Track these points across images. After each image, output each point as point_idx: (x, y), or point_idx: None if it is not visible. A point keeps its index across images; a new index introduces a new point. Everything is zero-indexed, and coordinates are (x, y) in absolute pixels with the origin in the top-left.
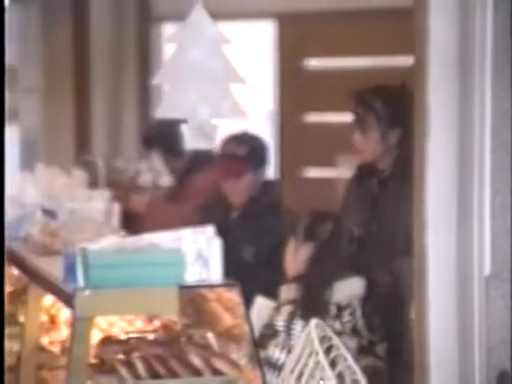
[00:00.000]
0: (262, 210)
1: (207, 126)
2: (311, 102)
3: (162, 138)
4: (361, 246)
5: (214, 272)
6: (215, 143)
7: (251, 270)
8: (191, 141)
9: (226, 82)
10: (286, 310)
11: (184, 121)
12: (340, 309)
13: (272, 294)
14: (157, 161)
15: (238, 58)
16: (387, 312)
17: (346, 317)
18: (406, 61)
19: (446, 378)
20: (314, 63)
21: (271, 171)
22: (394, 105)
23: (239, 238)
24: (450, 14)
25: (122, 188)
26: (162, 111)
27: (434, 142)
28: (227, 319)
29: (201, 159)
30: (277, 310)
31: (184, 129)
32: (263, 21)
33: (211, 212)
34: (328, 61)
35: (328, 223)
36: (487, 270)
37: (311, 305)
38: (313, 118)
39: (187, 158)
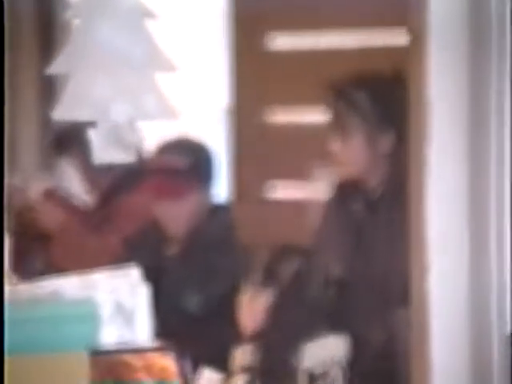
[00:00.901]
0: (209, 245)
1: (124, 131)
2: (277, 95)
3: (75, 144)
4: (341, 291)
5: (141, 331)
6: (137, 154)
7: (194, 327)
8: (101, 151)
9: (151, 71)
10: (240, 380)
11: (92, 124)
12: (313, 378)
13: (222, 358)
14: (69, 176)
15: (171, 39)
16: (379, 378)
17: None
18: (398, 38)
19: None
20: (278, 42)
21: (222, 191)
22: (384, 100)
23: (178, 283)
24: None
25: (16, 214)
26: (62, 111)
27: (437, 149)
28: None
29: (129, 174)
30: (227, 381)
31: (92, 134)
32: None
33: (141, 247)
34: (297, 38)
35: (295, 260)
36: (509, 327)
37: (273, 373)
38: (278, 116)
39: (110, 173)
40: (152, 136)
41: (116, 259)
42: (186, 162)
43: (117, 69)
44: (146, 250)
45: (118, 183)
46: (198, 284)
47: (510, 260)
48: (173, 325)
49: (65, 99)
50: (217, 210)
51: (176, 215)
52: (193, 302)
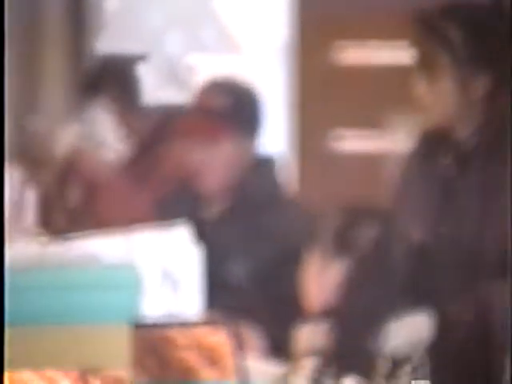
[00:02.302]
0: (260, 203)
1: (179, 66)
2: (346, 27)
3: (111, 83)
4: (426, 260)
5: (190, 302)
6: (191, 92)
7: (248, 300)
8: (155, 88)
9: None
10: (308, 364)
11: (143, 57)
12: (396, 363)
13: (284, 338)
14: (102, 119)
15: None
16: (470, 366)
17: (405, 375)
18: None
19: None
20: None
21: (277, 141)
22: (481, 35)
23: (225, 247)
24: None
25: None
26: (108, 41)
27: None
28: (209, 375)
29: (171, 118)
30: (293, 363)
31: (143, 70)
32: None
33: (183, 204)
34: None
35: (372, 225)
36: None
37: (348, 356)
38: (348, 54)
39: (149, 116)
40: (208, 73)
41: (158, 219)
42: (226, 102)
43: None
44: (189, 208)
45: (162, 129)
46: (246, 250)
47: None
48: (223, 297)
49: (110, 29)
50: (268, 163)
51: (213, 166)
52: (240, 271)
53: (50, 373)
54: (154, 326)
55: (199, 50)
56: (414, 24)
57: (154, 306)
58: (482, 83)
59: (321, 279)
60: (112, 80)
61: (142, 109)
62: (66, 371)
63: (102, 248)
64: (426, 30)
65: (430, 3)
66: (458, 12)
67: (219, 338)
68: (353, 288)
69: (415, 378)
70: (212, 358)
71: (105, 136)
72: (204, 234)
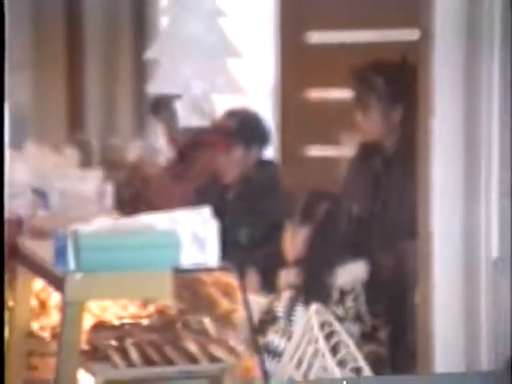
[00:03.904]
0: (258, 191)
1: (202, 102)
2: (313, 78)
3: (163, 112)
4: (362, 226)
5: (211, 255)
6: (210, 120)
7: (249, 254)
8: (185, 117)
9: (222, 56)
10: (286, 295)
11: (178, 96)
12: (342, 294)
13: (271, 278)
14: (157, 137)
15: (236, 32)
16: (391, 297)
17: (349, 302)
18: (410, 34)
19: (450, 364)
20: (316, 37)
21: (271, 151)
22: (395, 81)
23: (235, 220)
24: None
25: (114, 167)
26: (156, 86)
27: (439, 118)
28: (225, 304)
29: (198, 136)
30: (277, 295)
31: (178, 104)
32: None
33: (206, 192)
34: (330, 35)
35: (325, 203)
36: (494, 253)
37: (312, 290)
38: (315, 94)
39: (185, 135)
40: (222, 106)
41: (191, 202)
42: (235, 123)
43: (197, 54)
44: (211, 195)
45: (193, 142)
46: (250, 221)
47: (497, 201)
48: (233, 253)
49: (158, 77)
50: (264, 164)
51: (228, 165)
52: (247, 234)
53: (122, 302)
54: (188, 271)
55: (215, 91)
56: (352, 76)
57: (187, 258)
58: (398, 112)
59: (294, 240)
60: (161, 112)
61: (180, 130)
62: (132, 300)
63: (155, 221)
64: (360, 80)
65: (362, 61)
66: (380, 67)
67: (230, 278)
68: (314, 244)
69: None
70: (226, 292)
71: (157, 147)
72: (221, 211)
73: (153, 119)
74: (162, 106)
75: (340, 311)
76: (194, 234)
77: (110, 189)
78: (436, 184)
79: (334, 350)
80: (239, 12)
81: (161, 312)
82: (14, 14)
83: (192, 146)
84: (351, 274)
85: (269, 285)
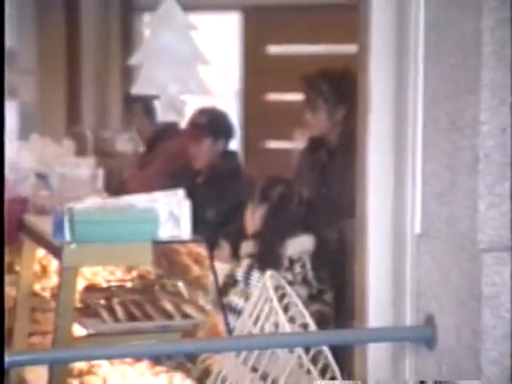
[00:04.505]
0: (224, 176)
1: (176, 101)
2: (271, 84)
3: (141, 110)
4: (310, 207)
5: (184, 229)
6: (183, 116)
7: (215, 229)
8: (162, 114)
9: (194, 64)
10: (245, 262)
11: (156, 96)
12: (292, 262)
13: (234, 249)
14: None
15: (207, 44)
16: (333, 265)
17: (298, 269)
18: (351, 48)
19: (381, 320)
20: (273, 49)
21: (235, 143)
22: (338, 86)
23: (204, 200)
24: (390, 9)
25: (105, 156)
26: (137, 88)
27: (374, 117)
28: (195, 270)
29: (170, 129)
30: (237, 262)
31: (156, 103)
32: (231, 12)
33: (180, 177)
34: (285, 48)
35: (279, 186)
36: (418, 229)
37: (267, 258)
38: (272, 97)
39: (160, 128)
40: (193, 106)
41: (167, 185)
42: (204, 119)
43: (172, 62)
44: (184, 179)
45: (167, 135)
46: (216, 202)
47: (420, 186)
48: (202, 227)
49: (139, 80)
50: (228, 154)
51: (198, 154)
52: (214, 213)
53: (110, 268)
54: (165, 242)
55: (188, 93)
56: (304, 82)
57: (165, 232)
58: (340, 112)
59: (253, 217)
60: (141, 109)
61: (157, 124)
62: (118, 266)
63: (137, 201)
64: (311, 85)
65: (311, 70)
66: (326, 74)
67: (200, 249)
68: (269, 221)
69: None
70: (196, 260)
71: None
72: (192, 193)
73: (128, 115)
74: (143, 106)
75: (290, 276)
76: (171, 211)
77: (100, 173)
78: (371, 171)
79: (286, 309)
80: (209, 26)
81: (142, 276)
82: (21, 28)
83: (167, 137)
84: (300, 245)
85: (233, 254)
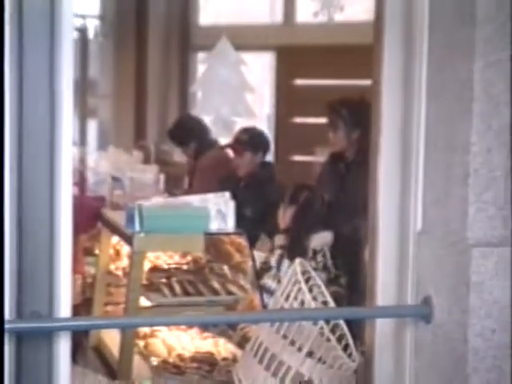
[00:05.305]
0: (261, 182)
1: (228, 122)
2: (297, 110)
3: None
4: (330, 208)
5: (229, 224)
6: (232, 134)
7: (254, 224)
8: (216, 131)
9: (242, 92)
10: (278, 252)
11: (212, 119)
12: (315, 252)
13: (269, 241)
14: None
15: (251, 76)
16: (348, 255)
17: (319, 258)
18: (367, 82)
19: (387, 300)
20: (300, 82)
21: (269, 156)
22: (355, 112)
23: (245, 201)
24: (399, 51)
25: (165, 164)
26: (197, 111)
27: (385, 138)
28: (237, 257)
29: (214, 144)
30: (271, 251)
31: (211, 123)
32: (268, 51)
33: (227, 182)
34: (311, 81)
35: (305, 192)
36: (419, 227)
37: (295, 249)
38: (298, 120)
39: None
40: (241, 125)
41: (217, 189)
42: (247, 137)
43: (225, 90)
44: (229, 184)
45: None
46: (255, 202)
47: (421, 192)
48: (243, 223)
49: (198, 105)
50: (265, 165)
51: (241, 164)
52: (251, 211)
53: (169, 253)
54: (214, 234)
55: (236, 115)
56: (327, 106)
57: (213, 226)
58: (356, 133)
59: (284, 216)
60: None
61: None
62: (176, 252)
63: (192, 200)
64: (333, 110)
65: (333, 98)
66: (346, 101)
67: (242, 240)
68: (297, 219)
69: (324, 259)
70: (238, 249)
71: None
72: (236, 195)
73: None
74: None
75: (313, 264)
76: (219, 209)
77: (162, 178)
78: (381, 181)
79: (310, 290)
80: (252, 62)
81: (195, 261)
82: (102, 62)
83: (219, 150)
84: (321, 239)
85: (267, 246)
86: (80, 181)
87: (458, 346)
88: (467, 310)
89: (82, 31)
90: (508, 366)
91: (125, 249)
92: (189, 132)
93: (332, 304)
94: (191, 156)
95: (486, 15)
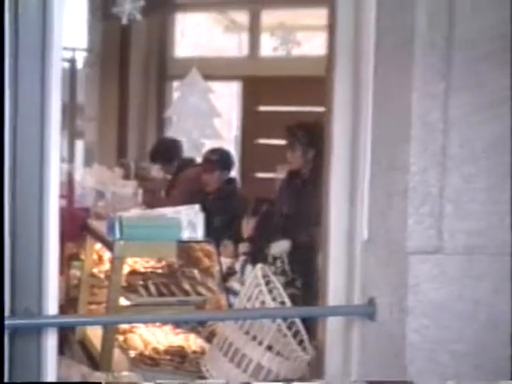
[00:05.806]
0: (227, 196)
1: (197, 143)
2: (262, 132)
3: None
4: (288, 219)
5: (199, 233)
6: (201, 154)
7: (221, 233)
8: (187, 151)
9: (210, 117)
10: (242, 258)
11: (184, 140)
12: (274, 258)
13: (234, 249)
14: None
15: (219, 103)
16: (304, 261)
17: (278, 263)
18: (320, 108)
19: (337, 300)
20: (263, 108)
21: (234, 173)
22: (310, 134)
23: (213, 213)
24: (347, 82)
25: (143, 179)
26: (171, 133)
27: (336, 158)
28: (206, 262)
29: (189, 163)
30: (236, 257)
31: (184, 144)
32: (234, 81)
33: (197, 196)
34: (273, 107)
35: (266, 205)
36: (365, 236)
37: (257, 256)
38: (262, 141)
39: (181, 162)
40: (209, 146)
41: (187, 202)
42: (216, 156)
43: (195, 115)
44: (199, 197)
45: (184, 167)
46: (222, 213)
47: (367, 204)
48: (211, 232)
49: (172, 128)
50: (231, 181)
51: (210, 181)
52: (220, 221)
53: (146, 258)
54: (185, 242)
55: (205, 138)
56: (286, 129)
57: (185, 235)
58: (311, 153)
59: (247, 225)
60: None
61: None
62: (152, 258)
63: (166, 212)
64: (291, 133)
65: (291, 122)
66: (302, 125)
67: (210, 247)
68: (258, 229)
69: (282, 265)
70: (207, 255)
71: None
72: (205, 208)
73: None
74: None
75: (273, 269)
76: (189, 220)
77: (140, 192)
78: (332, 195)
79: (270, 292)
80: (221, 91)
81: (169, 265)
82: (88, 88)
83: (187, 169)
84: (280, 247)
85: (233, 252)
86: (68, 193)
87: (397, 341)
88: (406, 310)
89: (72, 62)
90: (442, 358)
91: (107, 254)
92: (171, 151)
93: (289, 304)
94: (172, 173)
95: (423, 53)
